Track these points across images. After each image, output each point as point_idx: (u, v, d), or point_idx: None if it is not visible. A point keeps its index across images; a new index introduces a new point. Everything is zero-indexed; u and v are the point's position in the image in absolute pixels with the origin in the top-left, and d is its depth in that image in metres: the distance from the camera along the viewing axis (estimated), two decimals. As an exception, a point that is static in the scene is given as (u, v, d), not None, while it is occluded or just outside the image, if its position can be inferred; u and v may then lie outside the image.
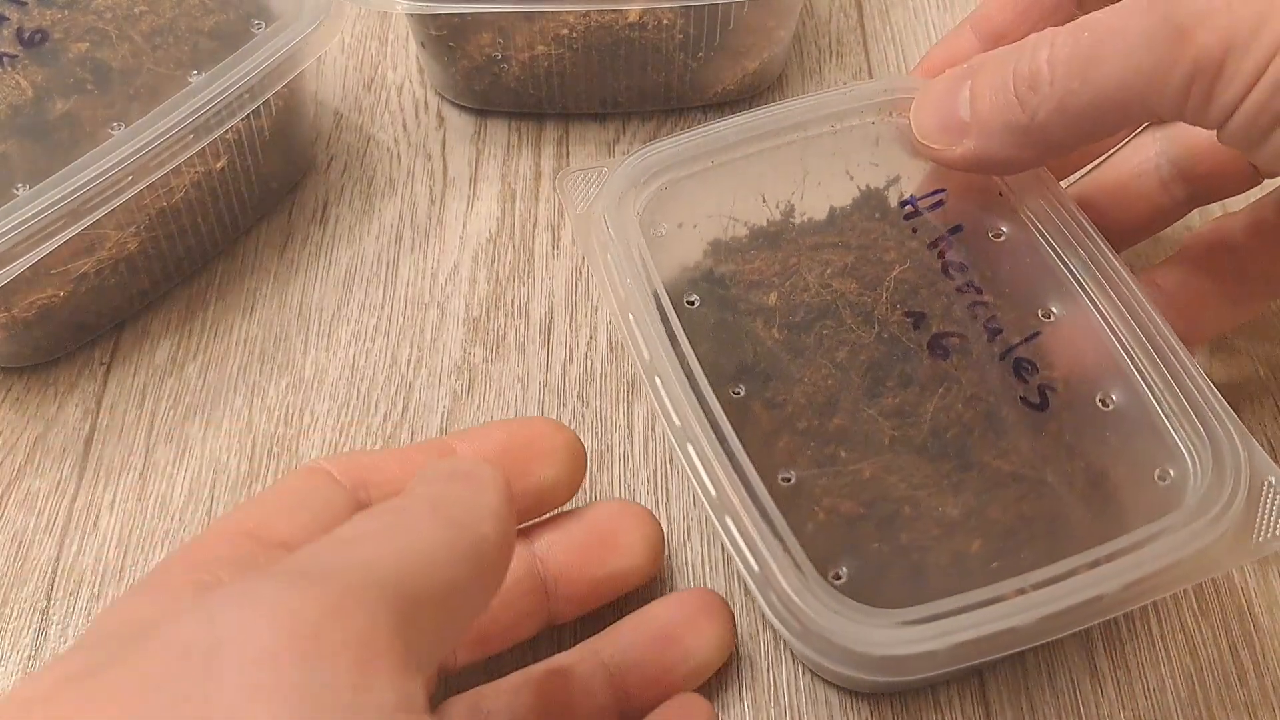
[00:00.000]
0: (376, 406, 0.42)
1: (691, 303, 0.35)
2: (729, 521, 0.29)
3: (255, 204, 0.46)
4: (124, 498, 0.40)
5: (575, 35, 0.46)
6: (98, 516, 0.39)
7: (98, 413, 0.42)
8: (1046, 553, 0.29)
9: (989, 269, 0.35)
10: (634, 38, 0.46)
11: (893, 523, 0.30)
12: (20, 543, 0.39)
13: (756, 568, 0.29)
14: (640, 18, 0.45)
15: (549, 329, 0.44)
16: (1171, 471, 0.31)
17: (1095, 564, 0.29)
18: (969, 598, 0.28)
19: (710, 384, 0.31)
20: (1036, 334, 0.34)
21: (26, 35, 0.41)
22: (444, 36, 0.47)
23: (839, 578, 0.30)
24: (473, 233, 0.47)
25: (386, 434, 0.41)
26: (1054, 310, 0.34)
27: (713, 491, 0.30)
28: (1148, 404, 0.32)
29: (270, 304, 0.45)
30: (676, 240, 0.36)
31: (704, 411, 0.31)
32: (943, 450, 0.31)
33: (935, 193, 0.36)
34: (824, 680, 0.35)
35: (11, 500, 0.40)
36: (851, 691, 0.34)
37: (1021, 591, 0.28)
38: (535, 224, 0.47)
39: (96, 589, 0.38)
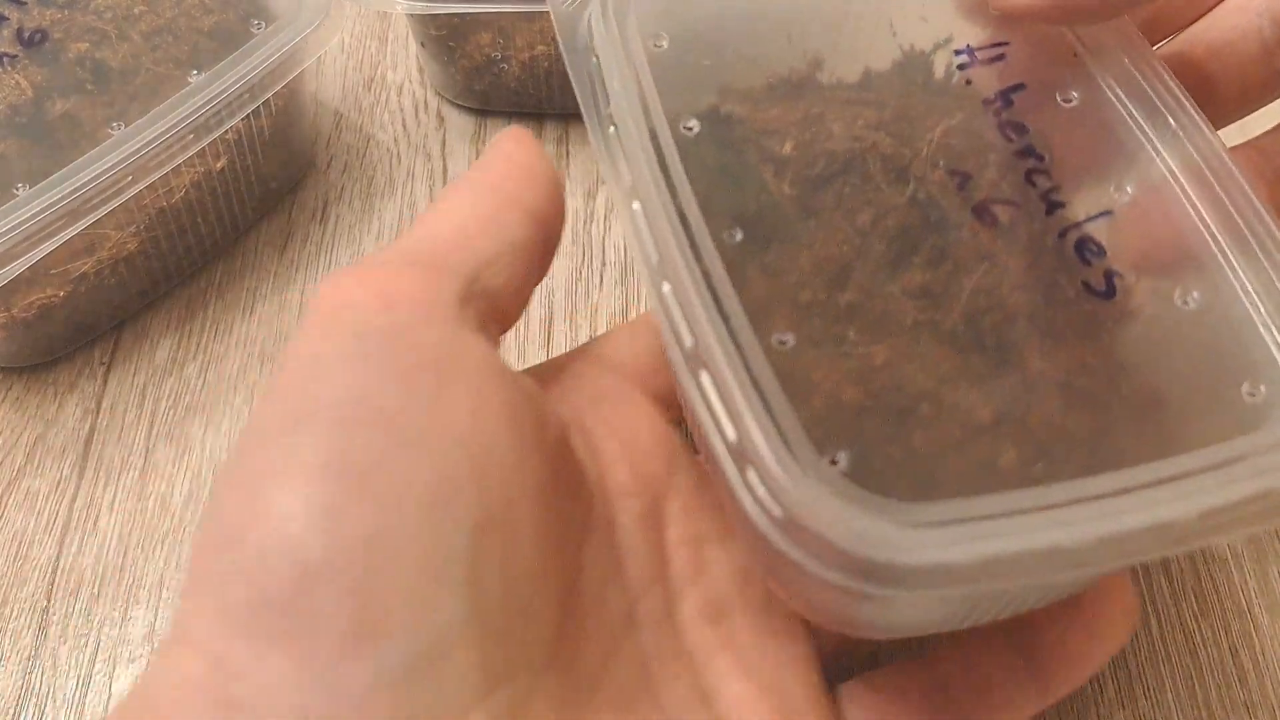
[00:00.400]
0: (376, 406, 0.42)
1: (689, 129, 0.28)
2: (704, 378, 0.23)
3: (255, 204, 0.46)
4: (124, 497, 0.40)
5: (575, 35, 0.46)
6: (98, 516, 0.39)
7: (97, 413, 0.42)
8: (1096, 474, 0.24)
9: (1054, 134, 0.30)
10: (634, 37, 0.46)
11: (905, 420, 0.25)
12: (20, 542, 0.39)
13: (734, 434, 0.22)
14: (640, 17, 0.45)
15: (549, 329, 0.44)
16: (1263, 387, 0.26)
17: (1158, 483, 0.23)
18: (1003, 501, 0.22)
19: (705, 219, 0.25)
20: (1107, 212, 0.28)
21: (26, 35, 0.41)
22: (444, 36, 0.47)
23: (835, 463, 0.24)
24: (473, 232, 0.46)
25: (386, 434, 0.41)
26: (1129, 187, 0.29)
27: (689, 340, 0.24)
28: (1239, 304, 0.27)
29: (270, 304, 0.45)
30: (677, 62, 0.30)
31: (690, 245, 0.25)
32: (977, 340, 0.26)
33: (996, 45, 0.31)
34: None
35: (11, 500, 0.40)
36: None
37: (1074, 501, 0.22)
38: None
39: (96, 589, 0.38)
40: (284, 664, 0.21)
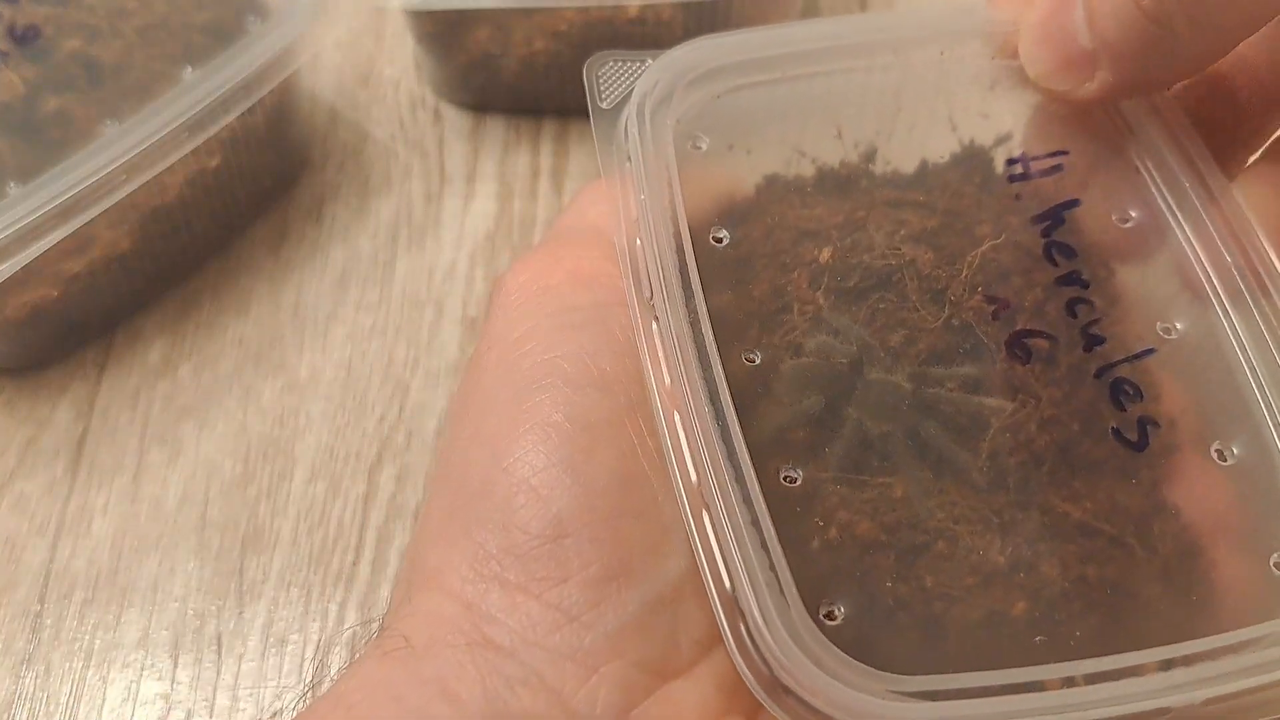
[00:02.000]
0: (372, 408, 0.41)
1: (719, 240, 0.28)
2: (706, 519, 0.23)
3: (249, 202, 0.46)
4: (117, 500, 0.39)
5: (574, 31, 0.45)
6: (91, 519, 0.39)
7: (90, 415, 0.41)
8: (1108, 635, 0.23)
9: (1104, 260, 0.28)
10: (634, 33, 0.45)
11: (919, 558, 0.24)
12: (13, 546, 0.38)
13: (729, 585, 0.22)
14: (640, 13, 0.44)
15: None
16: None
17: (1170, 664, 0.22)
18: (996, 677, 0.21)
19: (718, 341, 0.25)
20: (1150, 351, 0.27)
21: (18, 31, 0.41)
22: (440, 32, 0.47)
23: (832, 618, 0.23)
24: (470, 231, 0.46)
25: (383, 436, 0.41)
26: (1177, 325, 0.27)
27: (693, 476, 0.23)
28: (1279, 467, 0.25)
29: (265, 304, 0.44)
30: (720, 162, 0.29)
31: (702, 372, 0.24)
32: (999, 479, 0.25)
33: (1055, 154, 0.30)
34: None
35: (4, 503, 0.39)
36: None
37: (1069, 682, 0.22)
38: (534, 222, 0.46)
39: (90, 593, 0.38)
40: (536, 609, 0.22)
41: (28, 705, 0.36)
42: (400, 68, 0.52)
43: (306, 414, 0.41)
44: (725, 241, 0.28)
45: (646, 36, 0.45)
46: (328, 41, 0.51)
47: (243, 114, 0.41)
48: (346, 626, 0.37)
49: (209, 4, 0.43)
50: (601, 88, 0.29)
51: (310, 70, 0.49)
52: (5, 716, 0.35)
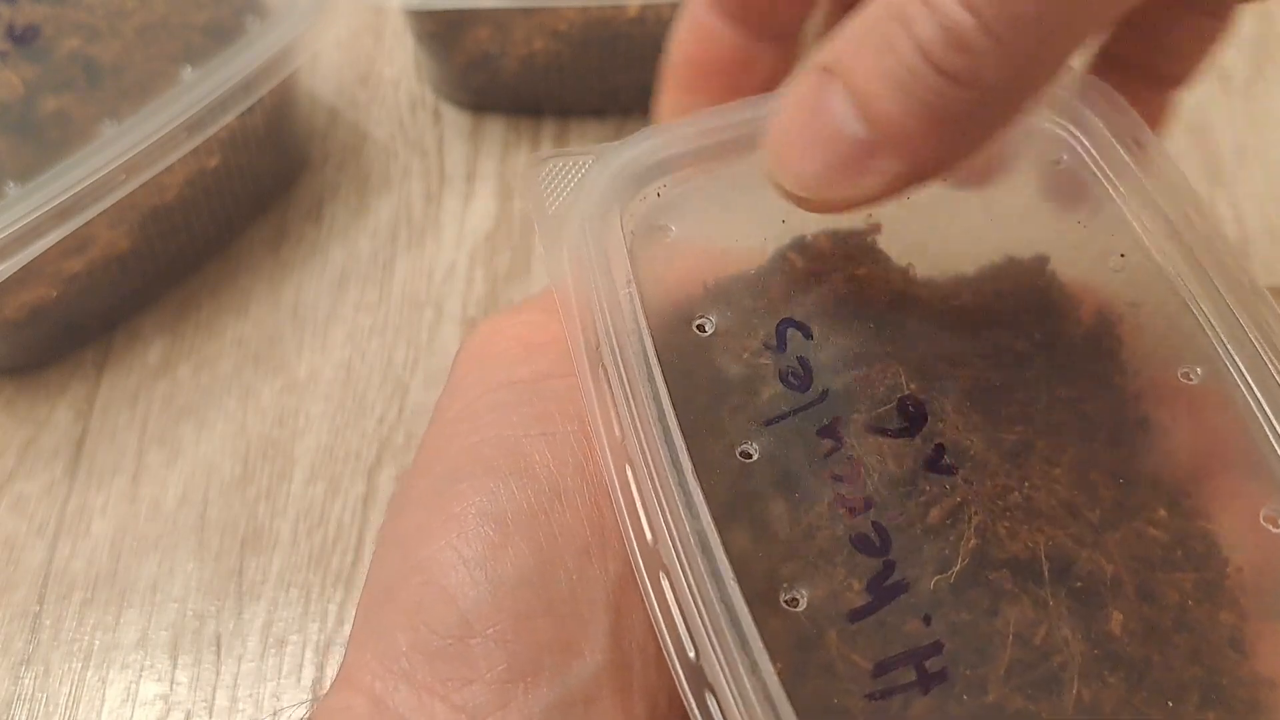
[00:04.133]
0: (372, 409, 0.41)
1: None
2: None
3: (249, 202, 0.46)
4: (116, 501, 0.39)
5: (574, 30, 0.45)
6: (90, 520, 0.39)
7: (89, 415, 0.41)
8: None
9: None
10: (634, 33, 0.45)
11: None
12: (12, 547, 0.38)
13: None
14: (640, 12, 0.44)
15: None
16: None
17: None
18: None
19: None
20: None
21: (18, 31, 0.41)
22: (441, 32, 0.47)
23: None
24: (470, 231, 0.46)
25: (382, 437, 0.41)
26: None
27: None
28: None
29: (264, 304, 0.44)
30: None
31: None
32: None
33: None
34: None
35: (3, 504, 0.39)
36: None
37: None
38: (533, 222, 0.46)
39: (89, 593, 0.37)
40: (442, 710, 0.22)
41: (26, 706, 0.36)
42: (400, 67, 0.51)
43: (306, 414, 0.41)
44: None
45: (646, 37, 0.45)
46: (327, 41, 0.51)
47: (242, 114, 0.41)
48: (346, 627, 0.37)
49: (208, 4, 0.43)
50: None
51: (309, 70, 0.49)
52: (4, 717, 0.35)
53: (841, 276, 0.27)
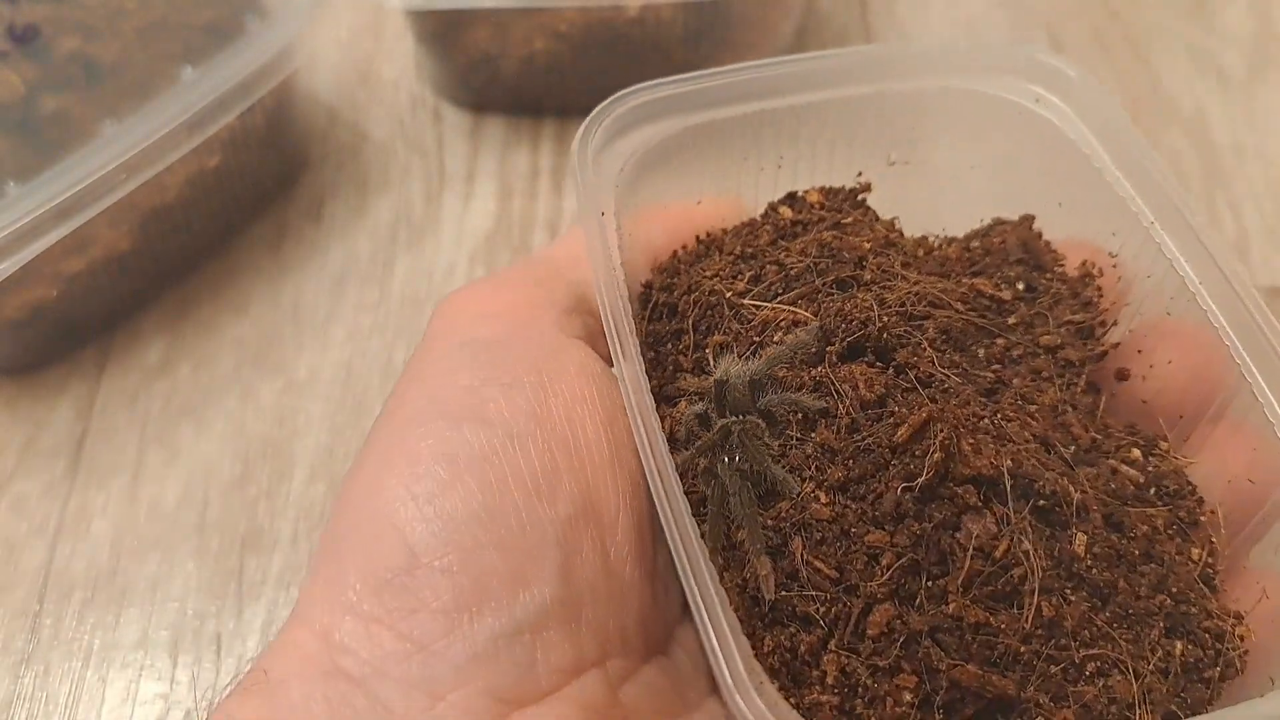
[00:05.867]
0: (372, 409, 0.41)
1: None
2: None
3: (248, 202, 0.46)
4: (116, 501, 0.39)
5: (574, 31, 0.45)
6: (90, 520, 0.39)
7: (90, 415, 0.41)
8: None
9: None
10: (634, 33, 0.45)
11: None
12: (11, 547, 0.38)
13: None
14: (640, 13, 0.44)
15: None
16: None
17: None
18: None
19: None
20: None
21: (18, 31, 0.41)
22: (441, 32, 0.47)
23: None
24: (469, 230, 0.46)
25: (382, 436, 0.41)
26: None
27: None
28: None
29: (264, 304, 0.44)
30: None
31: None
32: None
33: None
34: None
35: (3, 504, 0.39)
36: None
37: None
38: (534, 222, 0.46)
39: (89, 593, 0.37)
40: (389, 639, 0.23)
41: (26, 705, 0.35)
42: (400, 68, 0.51)
43: (306, 414, 0.41)
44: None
45: (646, 37, 0.45)
46: (327, 41, 0.51)
47: (242, 114, 0.41)
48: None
49: (208, 3, 0.43)
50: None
51: (309, 70, 0.49)
52: (4, 716, 0.35)
53: (828, 224, 0.30)
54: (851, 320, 0.26)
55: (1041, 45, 0.33)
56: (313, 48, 0.42)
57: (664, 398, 0.28)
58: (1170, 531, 0.25)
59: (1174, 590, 0.24)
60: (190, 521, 0.39)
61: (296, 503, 0.39)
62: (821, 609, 0.23)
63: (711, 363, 0.27)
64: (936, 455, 0.23)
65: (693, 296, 0.28)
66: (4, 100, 0.39)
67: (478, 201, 0.47)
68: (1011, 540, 0.23)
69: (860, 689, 0.23)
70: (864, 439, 0.24)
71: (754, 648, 0.23)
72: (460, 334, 0.27)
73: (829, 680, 0.23)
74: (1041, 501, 0.24)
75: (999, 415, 0.25)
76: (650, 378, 0.28)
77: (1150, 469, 0.26)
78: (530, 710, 0.23)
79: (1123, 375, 0.28)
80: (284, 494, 0.39)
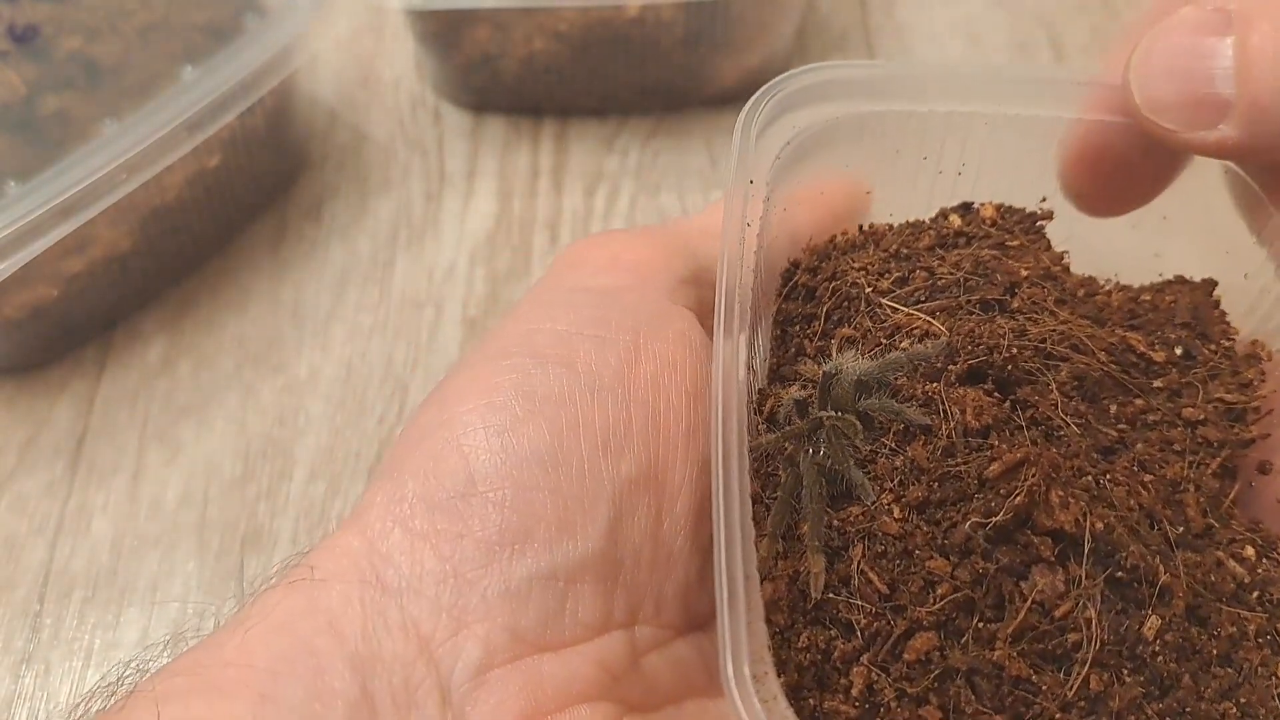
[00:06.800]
0: (372, 408, 0.41)
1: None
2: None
3: (249, 202, 0.46)
4: (116, 500, 0.39)
5: (574, 31, 0.45)
6: (90, 519, 0.39)
7: (90, 414, 0.41)
8: None
9: None
10: (633, 33, 0.45)
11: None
12: (12, 546, 0.38)
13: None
14: (640, 13, 0.44)
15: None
16: None
17: None
18: None
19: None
20: None
21: (18, 31, 0.41)
22: (441, 32, 0.47)
23: None
24: (470, 231, 0.46)
25: (382, 436, 0.41)
26: None
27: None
28: None
29: (264, 303, 0.44)
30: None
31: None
32: None
33: None
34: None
35: (3, 503, 0.39)
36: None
37: None
38: (533, 222, 0.46)
39: (90, 592, 0.37)
40: (431, 559, 0.23)
41: (27, 704, 0.35)
42: (400, 68, 0.52)
43: (306, 414, 0.41)
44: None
45: (646, 37, 0.45)
46: (327, 41, 0.51)
47: (242, 113, 0.41)
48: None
49: (208, 3, 0.43)
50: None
51: (310, 70, 0.49)
52: (5, 715, 0.35)
53: (992, 242, 0.29)
54: (979, 344, 0.25)
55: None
56: (313, 48, 0.42)
57: (780, 377, 0.27)
58: (1261, 641, 0.24)
59: (1243, 701, 0.23)
60: (190, 521, 0.39)
61: (297, 502, 0.39)
62: (864, 620, 0.23)
63: (833, 354, 0.26)
64: (1019, 499, 0.22)
65: (833, 285, 0.28)
66: (4, 100, 0.39)
67: (478, 201, 0.47)
68: (1076, 604, 0.22)
69: (882, 709, 0.22)
70: (956, 465, 0.24)
71: (789, 641, 0.23)
72: (571, 280, 0.27)
73: (854, 692, 0.22)
74: (1120, 573, 0.23)
75: (1107, 476, 0.24)
76: (772, 355, 0.29)
77: (1260, 571, 0.25)
78: (548, 656, 0.23)
79: (1265, 468, 0.26)
80: (284, 493, 0.39)
